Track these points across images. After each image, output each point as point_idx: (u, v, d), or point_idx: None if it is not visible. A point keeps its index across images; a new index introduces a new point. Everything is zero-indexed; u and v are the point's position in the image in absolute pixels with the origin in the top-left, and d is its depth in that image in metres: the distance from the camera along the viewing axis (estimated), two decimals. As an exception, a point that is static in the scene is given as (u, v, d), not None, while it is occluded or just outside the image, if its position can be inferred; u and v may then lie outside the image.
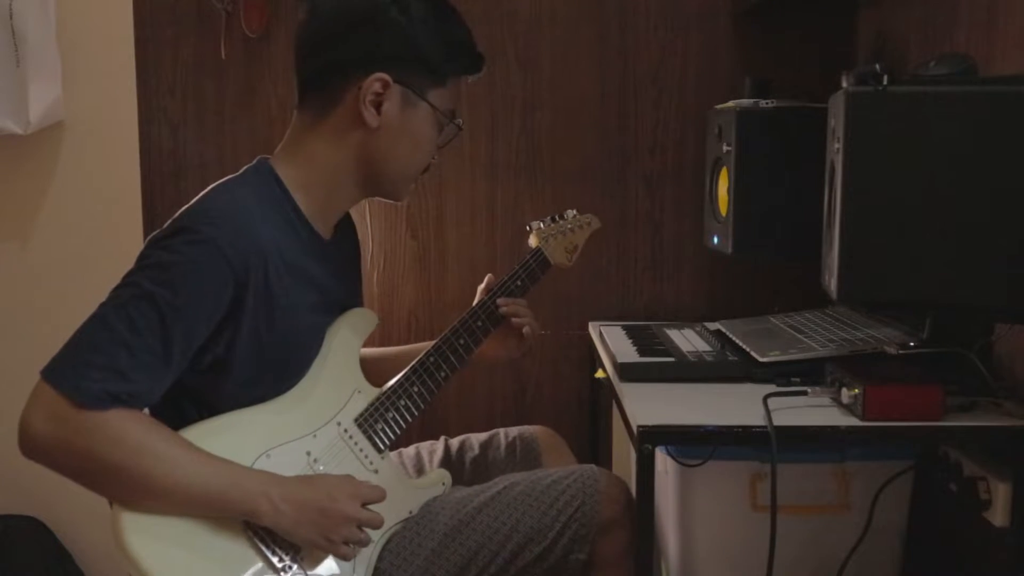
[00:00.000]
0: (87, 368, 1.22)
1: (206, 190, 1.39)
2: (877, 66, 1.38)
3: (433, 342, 1.59)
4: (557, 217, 1.79)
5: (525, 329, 1.66)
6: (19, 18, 2.17)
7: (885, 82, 1.37)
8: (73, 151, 2.34)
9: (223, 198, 1.37)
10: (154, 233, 1.34)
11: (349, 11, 1.40)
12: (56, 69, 2.25)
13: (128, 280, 1.28)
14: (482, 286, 1.71)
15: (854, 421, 1.43)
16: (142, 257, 1.31)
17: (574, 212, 1.80)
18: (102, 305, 1.26)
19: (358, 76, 1.39)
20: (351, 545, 1.37)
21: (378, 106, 1.40)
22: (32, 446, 1.22)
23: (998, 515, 1.43)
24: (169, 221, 1.34)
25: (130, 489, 1.25)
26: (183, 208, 1.36)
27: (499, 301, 1.64)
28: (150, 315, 1.24)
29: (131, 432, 1.23)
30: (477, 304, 1.64)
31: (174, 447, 1.26)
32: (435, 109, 1.45)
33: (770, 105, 1.98)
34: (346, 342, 1.50)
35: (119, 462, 1.23)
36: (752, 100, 1.99)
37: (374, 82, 1.39)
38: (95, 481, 1.26)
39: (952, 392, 1.46)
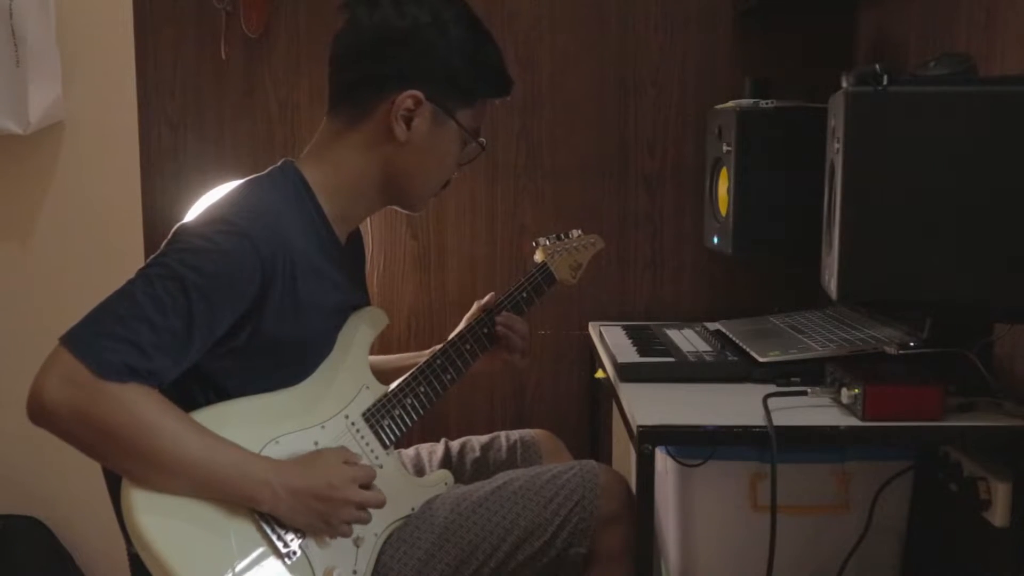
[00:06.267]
0: (109, 339, 1.22)
1: (234, 187, 1.41)
2: (877, 66, 1.38)
3: (434, 348, 1.62)
4: (563, 235, 1.83)
5: (517, 359, 1.70)
6: (19, 18, 2.17)
7: (885, 82, 1.37)
8: (73, 151, 2.34)
9: (256, 195, 1.39)
10: (183, 222, 1.35)
11: (388, 27, 1.42)
12: (56, 69, 2.25)
13: (157, 260, 1.29)
14: (480, 302, 1.73)
15: (854, 421, 1.44)
16: (172, 241, 1.32)
17: (579, 232, 1.85)
18: (129, 281, 1.27)
19: (392, 91, 1.41)
20: (352, 524, 1.39)
21: (408, 121, 1.43)
22: (43, 412, 1.21)
23: (998, 515, 1.43)
24: (197, 214, 1.36)
25: (136, 462, 1.25)
26: (211, 204, 1.37)
27: (497, 319, 1.67)
28: (177, 296, 1.25)
29: (145, 408, 1.24)
30: (486, 313, 1.68)
31: (185, 428, 1.27)
32: (462, 128, 1.47)
33: (770, 105, 1.98)
34: (358, 339, 1.52)
35: (131, 435, 1.23)
36: (752, 100, 2.00)
37: (407, 98, 1.41)
38: (101, 451, 1.26)
39: (952, 392, 1.46)
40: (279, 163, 1.47)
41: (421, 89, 1.41)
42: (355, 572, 1.41)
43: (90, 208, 2.34)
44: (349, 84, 1.45)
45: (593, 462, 1.56)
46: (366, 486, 1.40)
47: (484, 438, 1.79)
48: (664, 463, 1.74)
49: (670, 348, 1.83)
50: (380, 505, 1.42)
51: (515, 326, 1.68)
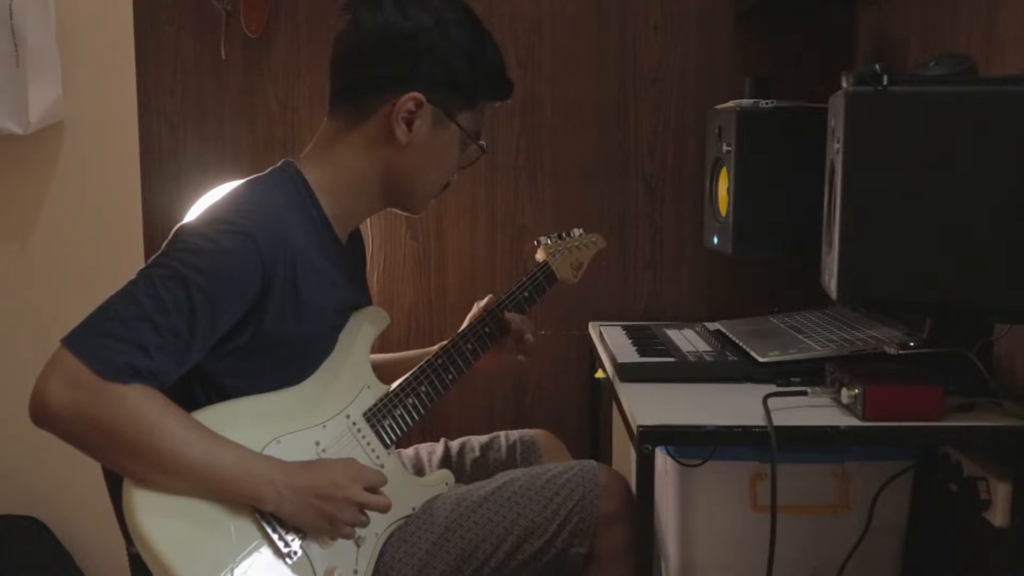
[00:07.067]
0: (111, 339, 1.22)
1: (235, 187, 1.41)
2: (877, 66, 1.38)
3: (436, 346, 1.62)
4: (564, 234, 1.83)
5: (520, 357, 1.70)
6: (19, 18, 2.17)
7: (885, 82, 1.37)
8: (73, 151, 2.34)
9: (257, 195, 1.39)
10: (184, 222, 1.35)
11: (391, 29, 1.42)
12: (56, 69, 2.25)
13: (158, 261, 1.29)
14: (481, 303, 1.73)
15: (854, 421, 1.44)
16: (174, 241, 1.32)
17: (580, 231, 1.85)
18: (131, 282, 1.27)
19: (393, 93, 1.42)
20: (354, 527, 1.39)
21: (409, 124, 1.43)
22: (46, 414, 1.21)
23: (998, 515, 1.43)
24: (198, 214, 1.36)
25: (139, 463, 1.25)
26: (212, 204, 1.37)
27: (512, 325, 1.66)
28: (179, 296, 1.25)
29: (148, 408, 1.24)
30: (487, 312, 1.67)
31: (188, 428, 1.27)
32: (462, 130, 1.47)
33: (770, 105, 1.98)
34: (359, 338, 1.52)
35: (133, 436, 1.23)
36: (752, 100, 1.99)
37: (408, 101, 1.41)
38: (104, 452, 1.26)
39: (952, 392, 1.46)
40: (279, 163, 1.47)
41: (422, 91, 1.41)
42: (356, 572, 1.41)
43: (90, 208, 2.34)
44: (350, 85, 1.45)
45: (593, 462, 1.56)
46: (371, 489, 1.40)
47: (484, 438, 1.78)
48: (664, 463, 1.74)
49: (670, 348, 1.83)
50: (384, 509, 1.41)
51: (524, 327, 1.68)
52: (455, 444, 1.78)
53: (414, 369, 1.58)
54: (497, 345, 1.68)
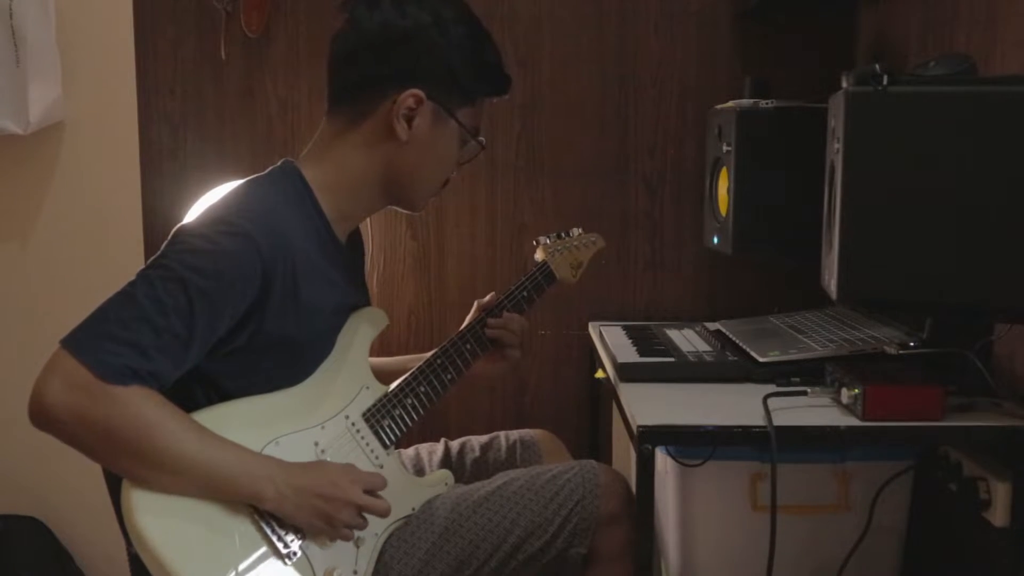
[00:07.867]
0: (109, 341, 1.22)
1: (234, 187, 1.41)
2: (877, 66, 1.38)
3: (435, 350, 1.62)
4: (563, 234, 1.83)
5: (511, 352, 1.69)
6: (19, 18, 2.17)
7: (885, 82, 1.37)
8: (73, 151, 2.34)
9: (256, 195, 1.39)
10: (183, 224, 1.35)
11: (390, 27, 1.42)
12: (56, 69, 2.25)
13: (158, 262, 1.29)
14: (482, 301, 1.72)
15: (854, 421, 1.44)
16: (173, 242, 1.32)
17: (580, 230, 1.85)
18: (130, 283, 1.27)
19: (393, 91, 1.42)
20: (352, 529, 1.39)
21: (410, 121, 1.43)
22: (45, 415, 1.21)
23: (998, 515, 1.43)
24: (198, 215, 1.36)
25: (138, 464, 1.25)
26: (211, 204, 1.37)
27: (489, 322, 1.65)
28: (179, 297, 1.25)
29: (148, 409, 1.24)
30: (486, 313, 1.67)
31: (187, 428, 1.27)
32: (462, 127, 1.47)
33: (770, 105, 1.98)
34: (358, 339, 1.52)
35: (133, 437, 1.23)
36: (752, 100, 1.99)
37: (408, 98, 1.41)
38: (103, 453, 1.26)
39: (952, 392, 1.46)
40: (279, 163, 1.47)
41: (422, 88, 1.42)
42: (355, 572, 1.41)
43: (90, 208, 2.34)
44: (350, 84, 1.46)
45: (593, 462, 1.56)
46: (371, 492, 1.40)
47: (484, 438, 1.79)
48: (664, 463, 1.74)
49: (670, 348, 1.83)
50: (383, 514, 1.41)
51: (509, 324, 1.67)
52: (455, 444, 1.78)
53: (413, 370, 1.58)
54: (494, 347, 1.67)
